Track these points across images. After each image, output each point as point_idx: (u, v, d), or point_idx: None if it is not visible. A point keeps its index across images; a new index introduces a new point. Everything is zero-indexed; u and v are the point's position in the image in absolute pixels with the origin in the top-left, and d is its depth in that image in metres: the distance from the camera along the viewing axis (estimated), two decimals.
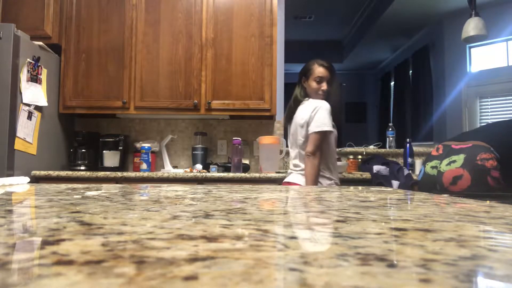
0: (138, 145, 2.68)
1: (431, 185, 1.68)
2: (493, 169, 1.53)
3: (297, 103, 1.94)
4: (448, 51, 4.82)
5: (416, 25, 5.10)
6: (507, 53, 4.38)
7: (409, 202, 0.60)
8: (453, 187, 1.58)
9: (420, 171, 1.86)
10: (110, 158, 2.67)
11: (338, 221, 0.37)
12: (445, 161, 1.65)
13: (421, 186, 1.81)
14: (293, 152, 1.96)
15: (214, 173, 2.34)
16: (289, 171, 2.01)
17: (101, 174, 2.30)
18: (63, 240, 0.26)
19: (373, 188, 0.97)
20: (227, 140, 2.91)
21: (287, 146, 2.13)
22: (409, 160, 2.53)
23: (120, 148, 2.67)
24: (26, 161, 2.23)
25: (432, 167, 1.71)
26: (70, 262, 0.20)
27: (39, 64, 2.32)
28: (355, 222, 0.36)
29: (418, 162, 2.60)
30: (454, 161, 1.61)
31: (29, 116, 2.25)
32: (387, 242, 0.27)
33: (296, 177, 1.89)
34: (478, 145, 1.62)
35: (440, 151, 1.73)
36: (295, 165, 1.93)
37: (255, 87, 2.61)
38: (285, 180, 1.96)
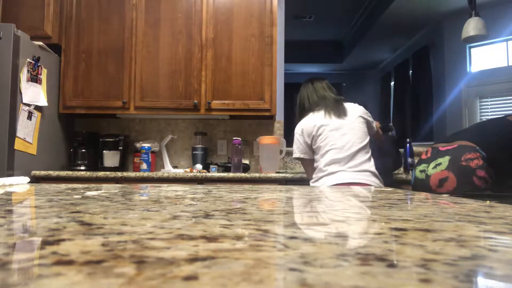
0: (138, 145, 2.69)
1: (421, 189, 1.68)
2: (479, 169, 1.52)
3: (342, 101, 1.97)
4: (448, 51, 4.82)
5: (416, 25, 5.10)
6: (507, 53, 4.38)
7: (409, 202, 0.60)
8: (440, 189, 1.59)
9: (412, 176, 1.86)
10: (110, 158, 2.67)
11: (338, 221, 0.37)
12: (432, 164, 1.65)
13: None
14: (349, 148, 1.80)
15: (214, 173, 2.34)
16: (346, 172, 1.77)
17: (101, 174, 2.30)
18: (63, 240, 0.26)
19: (373, 188, 0.97)
20: (227, 140, 2.91)
21: (287, 147, 2.06)
22: (409, 160, 2.52)
23: (120, 148, 2.67)
24: (26, 161, 2.23)
25: (421, 171, 1.71)
26: (70, 262, 0.20)
27: (39, 64, 2.32)
28: (355, 222, 0.36)
29: None
30: (439, 164, 1.61)
31: (29, 116, 2.25)
32: (387, 242, 0.27)
33: (368, 177, 1.76)
34: (463, 145, 1.62)
35: (429, 154, 1.73)
36: (359, 164, 1.77)
37: (255, 87, 2.61)
38: (353, 180, 1.72)
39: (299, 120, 2.00)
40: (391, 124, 2.45)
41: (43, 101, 2.36)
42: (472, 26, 2.76)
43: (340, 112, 1.89)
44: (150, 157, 2.60)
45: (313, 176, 1.88)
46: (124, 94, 2.62)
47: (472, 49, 4.66)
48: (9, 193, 0.68)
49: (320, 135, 1.86)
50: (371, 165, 1.82)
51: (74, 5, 2.65)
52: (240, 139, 2.51)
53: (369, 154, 1.84)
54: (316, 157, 1.89)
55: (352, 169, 1.77)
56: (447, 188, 1.57)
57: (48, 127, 2.49)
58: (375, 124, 2.03)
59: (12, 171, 2.11)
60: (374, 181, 1.77)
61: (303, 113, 2.00)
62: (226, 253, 0.23)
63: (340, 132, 1.83)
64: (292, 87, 7.34)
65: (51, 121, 2.53)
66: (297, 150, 1.95)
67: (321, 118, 1.88)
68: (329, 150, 1.82)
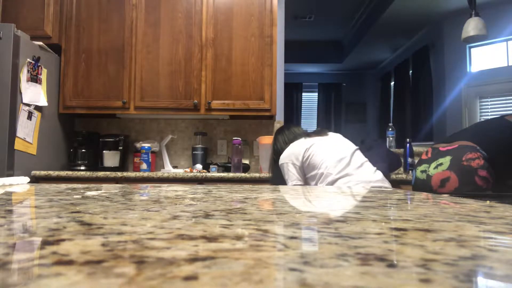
0: (138, 145, 2.69)
1: (422, 189, 1.68)
2: (480, 168, 1.52)
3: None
4: (448, 51, 4.82)
5: (416, 25, 5.10)
6: (507, 53, 4.38)
7: (409, 202, 0.60)
8: (441, 189, 1.59)
9: (412, 176, 1.85)
10: (110, 158, 2.67)
11: (338, 221, 0.37)
12: (433, 165, 1.65)
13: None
14: (344, 150, 1.79)
15: (214, 173, 2.34)
16: (356, 175, 1.72)
17: (101, 174, 2.30)
18: (63, 240, 0.26)
19: (373, 188, 0.97)
20: (227, 140, 2.91)
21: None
22: (409, 160, 2.52)
23: (120, 148, 2.67)
24: (26, 161, 2.23)
25: (422, 171, 1.71)
26: (70, 262, 0.20)
27: (39, 64, 2.32)
28: (355, 222, 0.36)
29: None
30: (441, 164, 1.61)
31: (29, 116, 2.25)
32: (387, 242, 0.27)
33: (383, 182, 1.74)
34: (464, 145, 1.61)
35: (429, 155, 1.73)
36: (364, 163, 1.78)
37: (255, 87, 2.61)
38: (370, 184, 1.72)
39: (278, 157, 1.92)
40: (391, 124, 2.44)
41: (43, 101, 2.36)
42: (472, 26, 2.76)
43: (322, 133, 1.89)
44: (150, 157, 2.60)
45: (320, 185, 1.76)
46: (124, 94, 2.62)
47: (472, 49, 4.66)
48: (9, 193, 0.68)
49: (309, 149, 1.81)
50: (374, 167, 1.79)
51: (74, 5, 2.65)
52: (240, 139, 2.51)
53: (366, 159, 1.82)
54: (313, 173, 1.78)
55: (360, 169, 1.72)
56: (448, 188, 1.57)
57: (48, 127, 2.49)
58: None
59: (12, 171, 2.11)
60: (388, 184, 1.75)
61: (282, 151, 1.93)
62: (226, 253, 0.23)
63: (330, 144, 1.80)
64: (292, 87, 7.36)
65: (51, 121, 2.53)
66: (290, 179, 1.82)
67: (304, 141, 1.85)
68: (326, 158, 1.75)
